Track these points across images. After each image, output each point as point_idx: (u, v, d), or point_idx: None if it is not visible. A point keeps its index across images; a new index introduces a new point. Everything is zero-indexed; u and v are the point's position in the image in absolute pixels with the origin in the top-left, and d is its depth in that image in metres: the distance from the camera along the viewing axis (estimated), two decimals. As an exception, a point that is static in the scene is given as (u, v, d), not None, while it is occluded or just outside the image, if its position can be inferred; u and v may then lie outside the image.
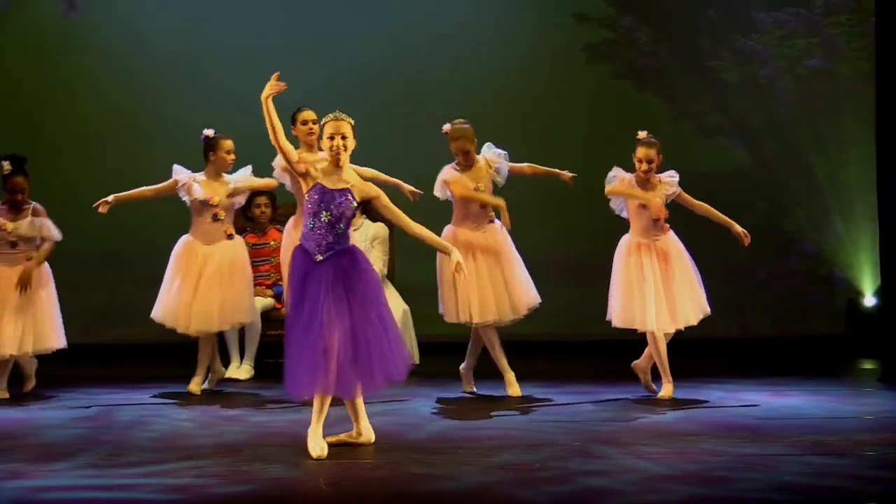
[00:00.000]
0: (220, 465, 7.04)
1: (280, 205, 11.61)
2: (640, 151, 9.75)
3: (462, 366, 10.17)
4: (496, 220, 9.93)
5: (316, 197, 7.52)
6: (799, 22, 13.74)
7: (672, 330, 9.74)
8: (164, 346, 11.90)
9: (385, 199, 7.67)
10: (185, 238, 10.25)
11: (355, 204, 7.55)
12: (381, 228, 11.39)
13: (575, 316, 12.48)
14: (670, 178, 9.88)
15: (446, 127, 9.99)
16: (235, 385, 10.80)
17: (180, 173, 10.21)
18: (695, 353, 12.38)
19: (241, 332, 11.21)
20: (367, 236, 11.27)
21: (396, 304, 11.18)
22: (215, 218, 10.18)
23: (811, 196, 13.66)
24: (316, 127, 9.53)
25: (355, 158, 7.75)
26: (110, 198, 9.99)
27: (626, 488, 6.43)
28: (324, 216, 7.49)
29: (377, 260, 11.22)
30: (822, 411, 9.00)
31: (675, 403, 9.42)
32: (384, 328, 7.48)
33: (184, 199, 10.18)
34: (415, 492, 6.44)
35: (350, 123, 7.59)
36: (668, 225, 9.88)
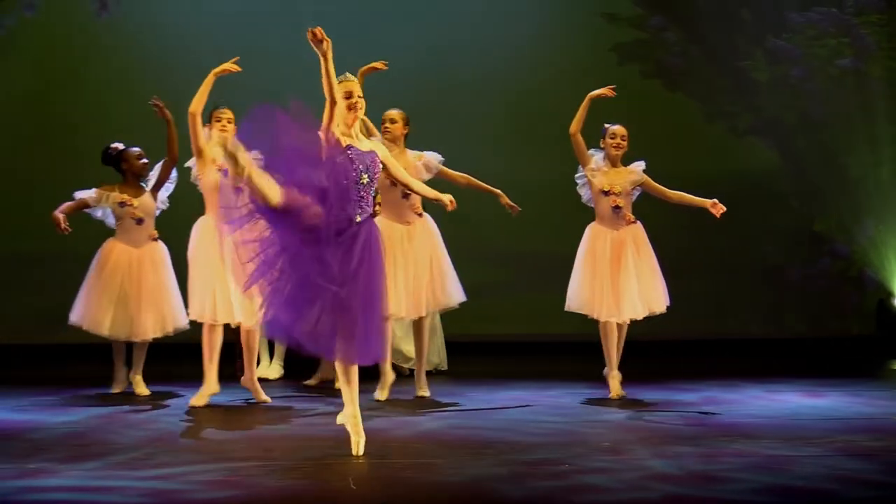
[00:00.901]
0: (250, 463, 7.05)
1: None
2: (611, 129, 9.93)
3: (413, 369, 10.08)
4: (425, 214, 9.86)
5: (355, 159, 7.48)
6: (830, 22, 13.69)
7: (618, 320, 9.80)
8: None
9: (386, 151, 7.81)
10: None
11: (381, 165, 7.62)
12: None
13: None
14: (636, 166, 9.95)
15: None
16: (266, 384, 10.82)
17: None
18: (728, 353, 12.39)
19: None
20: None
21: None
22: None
23: (843, 197, 13.61)
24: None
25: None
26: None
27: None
28: (364, 178, 7.49)
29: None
30: (854, 412, 8.97)
31: (708, 403, 9.41)
32: (375, 306, 7.38)
33: None
34: (444, 492, 6.44)
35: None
36: (632, 216, 9.90)
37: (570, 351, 12.25)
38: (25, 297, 12.66)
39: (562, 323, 11.85)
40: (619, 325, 9.87)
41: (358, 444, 7.32)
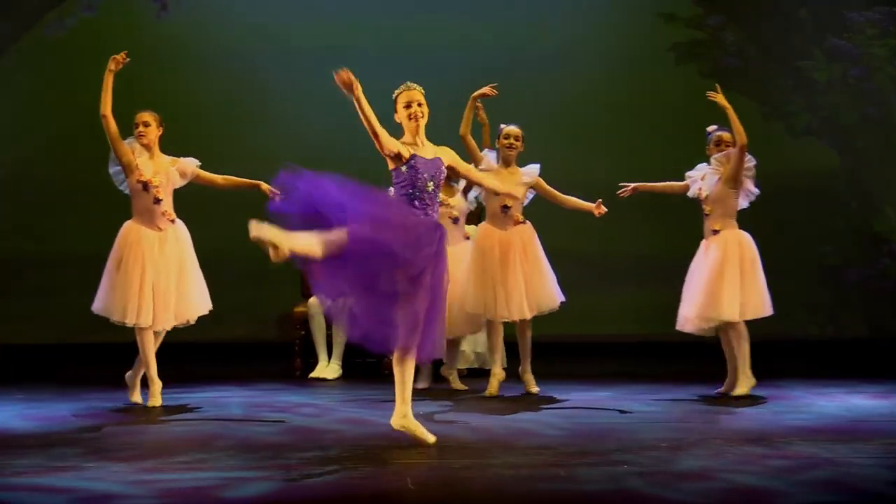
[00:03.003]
0: (308, 462, 7.07)
1: None
2: (505, 130, 10.02)
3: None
4: (178, 221, 9.60)
5: (420, 168, 7.59)
6: (890, 21, 13.59)
7: (508, 319, 9.96)
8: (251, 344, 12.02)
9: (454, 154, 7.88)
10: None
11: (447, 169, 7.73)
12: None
13: (650, 317, 12.42)
14: (530, 168, 9.96)
15: None
16: (323, 384, 10.86)
17: None
18: (787, 354, 12.31)
19: (329, 331, 11.28)
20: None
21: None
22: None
23: (902, 197, 13.53)
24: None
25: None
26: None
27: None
28: (430, 186, 7.59)
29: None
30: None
31: (770, 403, 9.38)
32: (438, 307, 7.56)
33: None
34: (502, 493, 6.44)
35: (422, 92, 7.69)
36: (521, 216, 9.96)
37: (624, 352, 12.28)
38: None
39: (616, 323, 11.91)
40: (522, 325, 10.02)
41: (425, 435, 7.56)
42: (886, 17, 13.55)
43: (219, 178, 9.78)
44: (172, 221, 9.58)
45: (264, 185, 9.53)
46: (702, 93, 12.88)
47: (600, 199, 9.71)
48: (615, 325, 12.85)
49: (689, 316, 9.82)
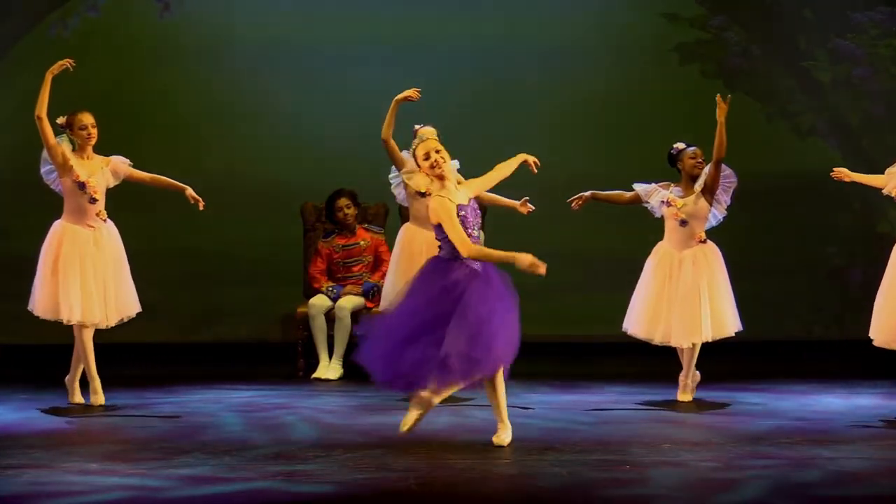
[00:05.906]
0: (311, 463, 7.07)
1: (367, 204, 11.62)
2: (420, 131, 9.84)
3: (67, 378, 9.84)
4: (108, 220, 9.57)
5: (467, 217, 7.68)
6: (893, 21, 13.57)
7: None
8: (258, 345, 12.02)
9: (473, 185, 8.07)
10: None
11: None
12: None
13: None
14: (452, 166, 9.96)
15: None
16: (325, 385, 10.84)
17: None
18: (791, 355, 12.32)
19: (330, 331, 11.26)
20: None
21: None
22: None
23: (907, 198, 13.50)
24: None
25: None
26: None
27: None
28: (476, 232, 7.73)
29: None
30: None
31: (776, 404, 9.39)
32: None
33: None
34: (505, 493, 6.43)
35: (434, 135, 7.84)
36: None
37: (634, 352, 12.24)
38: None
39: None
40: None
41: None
42: (890, 18, 13.52)
43: (147, 177, 9.79)
44: (104, 221, 9.56)
45: (189, 191, 9.66)
46: (706, 93, 12.85)
47: (526, 198, 9.63)
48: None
49: (881, 331, 9.14)
